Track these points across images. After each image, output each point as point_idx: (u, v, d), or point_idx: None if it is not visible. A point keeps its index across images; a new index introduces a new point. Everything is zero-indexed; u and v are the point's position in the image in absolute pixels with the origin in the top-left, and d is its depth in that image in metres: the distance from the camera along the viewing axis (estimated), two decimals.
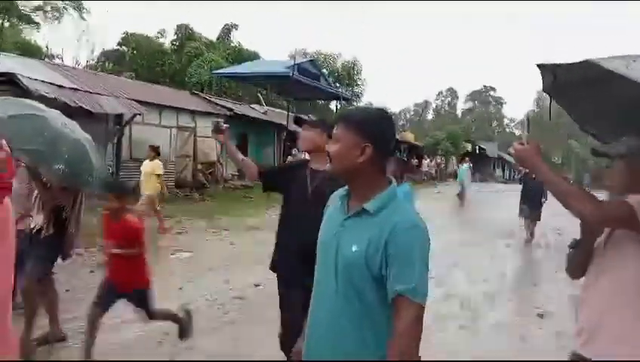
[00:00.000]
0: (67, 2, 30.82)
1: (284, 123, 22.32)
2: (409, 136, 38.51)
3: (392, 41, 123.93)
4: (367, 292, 1.61)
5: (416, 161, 35.59)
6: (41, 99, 11.43)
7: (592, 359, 1.86)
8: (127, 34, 33.13)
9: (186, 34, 34.55)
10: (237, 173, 18.41)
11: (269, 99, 25.81)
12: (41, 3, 29.90)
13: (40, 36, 42.03)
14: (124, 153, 14.26)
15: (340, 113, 1.76)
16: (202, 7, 71.75)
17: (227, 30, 37.59)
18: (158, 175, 9.61)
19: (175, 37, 35.03)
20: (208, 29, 67.91)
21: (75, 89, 12.84)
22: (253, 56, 34.11)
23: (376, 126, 1.66)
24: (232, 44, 36.25)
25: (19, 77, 11.33)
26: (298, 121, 3.32)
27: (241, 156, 3.25)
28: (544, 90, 2.21)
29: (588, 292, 1.95)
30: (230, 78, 27.65)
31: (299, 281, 2.64)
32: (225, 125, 3.26)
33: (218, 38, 37.00)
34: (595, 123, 2.37)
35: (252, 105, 22.83)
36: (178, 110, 16.59)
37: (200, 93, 20.30)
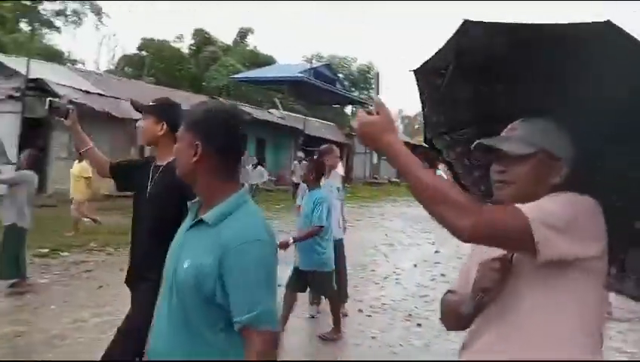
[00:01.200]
0: (86, 6, 31.65)
1: (301, 127, 22.65)
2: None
3: (407, 44, 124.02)
4: (196, 318, 1.38)
5: (427, 165, 35.84)
6: (70, 104, 11.95)
7: None
8: (145, 39, 33.81)
9: (202, 38, 35.16)
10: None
11: (287, 103, 26.19)
12: (61, 7, 30.77)
13: (60, 41, 43.02)
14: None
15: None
16: (218, 12, 72.63)
17: (243, 34, 38.18)
18: (87, 177, 8.95)
19: (192, 41, 35.66)
20: (224, 34, 68.77)
21: (100, 94, 13.33)
22: (269, 60, 34.61)
23: (209, 123, 1.44)
24: (247, 48, 36.80)
25: (48, 83, 11.82)
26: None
27: (88, 146, 2.77)
28: (417, 69, 1.59)
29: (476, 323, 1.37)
30: (248, 82, 28.11)
31: (136, 289, 2.45)
32: (69, 106, 2.78)
33: (234, 42, 37.59)
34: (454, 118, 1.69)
35: (270, 110, 23.23)
36: None
37: (220, 98, 20.74)
